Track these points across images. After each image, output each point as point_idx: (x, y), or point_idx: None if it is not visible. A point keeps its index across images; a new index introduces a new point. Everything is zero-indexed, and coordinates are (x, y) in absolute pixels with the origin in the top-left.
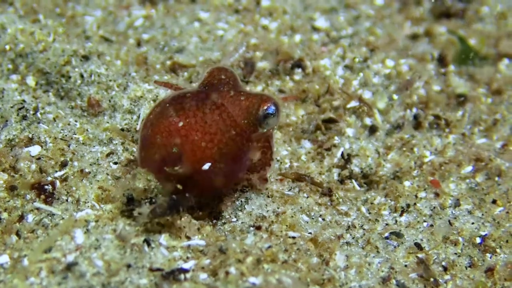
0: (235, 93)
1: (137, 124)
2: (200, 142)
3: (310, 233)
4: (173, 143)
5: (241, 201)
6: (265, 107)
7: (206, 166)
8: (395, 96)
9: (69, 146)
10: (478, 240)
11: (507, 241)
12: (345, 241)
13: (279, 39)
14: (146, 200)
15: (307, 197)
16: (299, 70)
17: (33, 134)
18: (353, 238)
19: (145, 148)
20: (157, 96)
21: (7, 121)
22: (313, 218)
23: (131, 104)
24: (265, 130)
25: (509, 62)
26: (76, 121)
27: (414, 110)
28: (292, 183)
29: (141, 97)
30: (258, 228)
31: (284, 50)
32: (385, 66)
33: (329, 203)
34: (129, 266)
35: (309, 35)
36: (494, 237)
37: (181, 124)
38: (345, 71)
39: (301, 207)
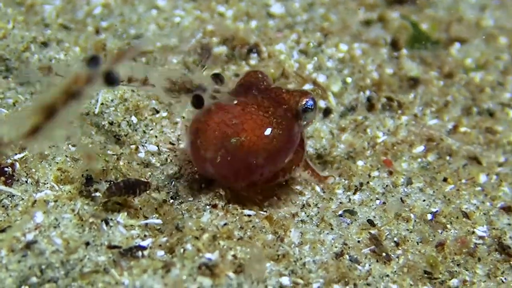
0: (276, 88)
1: (95, 107)
2: (257, 132)
3: (266, 211)
4: (231, 134)
5: (199, 180)
6: (304, 102)
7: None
8: (348, 79)
9: None
10: (429, 216)
11: (457, 217)
12: (299, 219)
13: (235, 25)
14: (105, 181)
15: None
16: (255, 55)
17: None
18: (307, 216)
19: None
20: None
21: None
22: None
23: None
24: (304, 123)
25: (460, 46)
26: None
27: (367, 92)
28: None
29: None
30: (214, 206)
31: (240, 36)
32: (338, 51)
33: (284, 183)
34: (87, 244)
35: (265, 21)
36: (445, 214)
37: (236, 119)
38: (299, 56)
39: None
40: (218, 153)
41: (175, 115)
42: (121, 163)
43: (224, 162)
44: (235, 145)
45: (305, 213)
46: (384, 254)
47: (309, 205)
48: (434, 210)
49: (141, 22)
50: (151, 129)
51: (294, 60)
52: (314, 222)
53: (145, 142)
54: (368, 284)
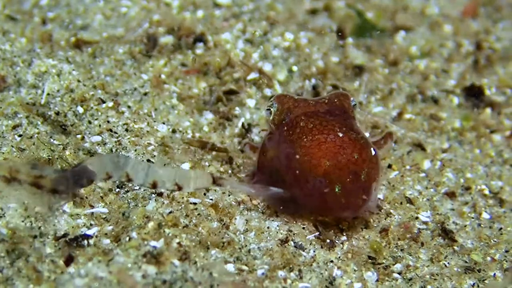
0: (330, 100)
1: (41, 98)
2: (369, 155)
3: (211, 199)
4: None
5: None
6: (351, 101)
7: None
8: (294, 68)
9: None
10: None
11: (401, 203)
12: (245, 206)
13: (181, 15)
14: None
15: (208, 165)
16: (201, 44)
17: None
18: (253, 203)
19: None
20: (61, 71)
21: None
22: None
23: (35, 79)
24: None
25: (405, 34)
26: None
27: (313, 81)
28: (194, 152)
29: (45, 72)
30: (160, 194)
31: (186, 26)
32: (284, 39)
33: (230, 171)
34: (33, 233)
35: (211, 10)
36: (389, 200)
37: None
38: (245, 45)
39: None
40: (360, 197)
41: (121, 105)
42: (67, 152)
43: (363, 201)
44: (364, 179)
45: (251, 200)
46: (328, 240)
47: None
48: (378, 196)
49: (87, 12)
50: (96, 119)
51: (240, 49)
52: (260, 209)
53: (90, 132)
54: (312, 270)
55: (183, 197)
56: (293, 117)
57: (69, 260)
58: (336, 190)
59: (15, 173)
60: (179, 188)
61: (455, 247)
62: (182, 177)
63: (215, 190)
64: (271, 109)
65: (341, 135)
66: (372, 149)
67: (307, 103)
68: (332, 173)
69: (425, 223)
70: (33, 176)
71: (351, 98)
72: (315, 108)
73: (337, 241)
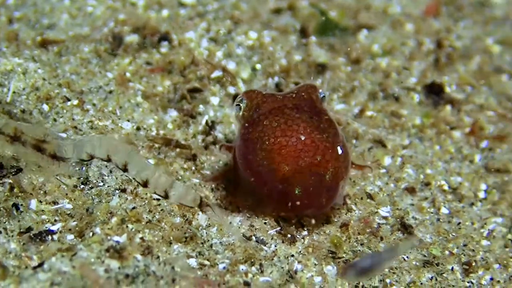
0: (298, 96)
1: (7, 96)
2: (335, 155)
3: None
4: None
5: (109, 166)
6: (318, 94)
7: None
8: (257, 66)
9: None
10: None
11: (361, 199)
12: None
13: (147, 15)
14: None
15: (172, 162)
16: (166, 42)
17: None
18: (216, 199)
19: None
20: (26, 69)
21: None
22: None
23: (1, 77)
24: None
25: (368, 32)
26: None
27: (276, 78)
28: (158, 150)
29: (11, 70)
30: (123, 190)
31: (151, 25)
32: (248, 38)
33: (193, 168)
34: None
35: (176, 10)
36: (350, 195)
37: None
38: (209, 43)
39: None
40: (322, 196)
41: (86, 103)
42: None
43: (327, 200)
44: (330, 180)
45: (214, 195)
46: (289, 235)
47: (218, 189)
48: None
49: (53, 11)
50: (62, 117)
51: (204, 47)
52: (222, 205)
53: (55, 130)
54: (273, 264)
55: (146, 193)
56: (257, 115)
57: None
58: (296, 192)
59: (20, 133)
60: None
61: (414, 242)
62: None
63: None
64: (241, 105)
65: (303, 138)
66: (339, 147)
67: (274, 98)
68: (292, 177)
69: (385, 218)
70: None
71: (320, 90)
72: (282, 103)
73: (298, 236)
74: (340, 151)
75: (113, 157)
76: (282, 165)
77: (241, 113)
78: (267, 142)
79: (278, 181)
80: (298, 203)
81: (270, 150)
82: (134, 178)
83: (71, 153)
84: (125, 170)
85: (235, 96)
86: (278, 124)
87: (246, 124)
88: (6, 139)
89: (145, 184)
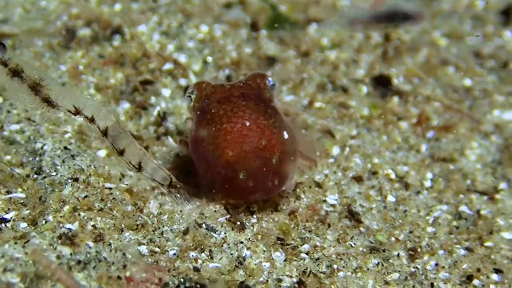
0: (243, 83)
1: None
2: (281, 139)
3: (127, 184)
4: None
5: (62, 156)
6: (267, 82)
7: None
8: (208, 59)
9: None
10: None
11: (310, 187)
12: (159, 191)
13: (99, 9)
14: None
15: None
16: (118, 36)
17: None
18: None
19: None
20: None
21: None
22: (129, 170)
23: None
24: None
25: (317, 26)
26: None
27: (226, 71)
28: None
29: None
30: (76, 180)
31: (104, 19)
32: (199, 31)
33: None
34: None
35: (128, 4)
36: (298, 184)
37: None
38: (161, 36)
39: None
40: (268, 179)
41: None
42: None
43: (274, 184)
44: (276, 163)
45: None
46: (238, 222)
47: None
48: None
49: (7, 6)
50: (15, 108)
51: (155, 40)
52: (173, 194)
53: (9, 121)
54: (223, 251)
55: (98, 182)
56: (206, 105)
57: None
58: (241, 176)
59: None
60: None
61: (361, 229)
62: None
63: (131, 176)
64: (191, 96)
65: (248, 123)
66: (285, 132)
67: (223, 88)
68: (236, 162)
69: (333, 205)
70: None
71: (269, 78)
72: (229, 93)
73: (247, 223)
74: (286, 136)
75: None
76: (226, 151)
77: (191, 104)
78: (213, 129)
79: (222, 167)
80: (243, 187)
81: (215, 137)
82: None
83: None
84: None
85: (186, 88)
86: (224, 112)
87: (197, 114)
88: (7, 72)
89: (121, 153)
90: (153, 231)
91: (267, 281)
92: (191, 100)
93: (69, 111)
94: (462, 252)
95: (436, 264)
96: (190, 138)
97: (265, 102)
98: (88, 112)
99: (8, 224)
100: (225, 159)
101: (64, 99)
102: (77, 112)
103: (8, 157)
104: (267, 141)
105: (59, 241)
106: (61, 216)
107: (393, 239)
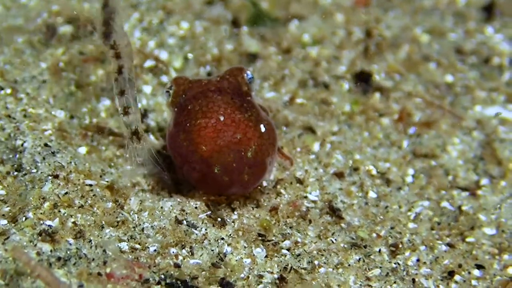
0: (219, 79)
1: None
2: (257, 133)
3: (107, 181)
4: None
5: (42, 153)
6: (245, 76)
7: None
8: (189, 55)
9: None
10: (264, 183)
11: (291, 183)
12: (140, 188)
13: (80, 6)
14: None
15: (105, 149)
16: None
17: None
18: (148, 185)
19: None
20: None
21: None
22: (111, 167)
23: None
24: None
25: (298, 22)
26: None
27: (207, 67)
28: (91, 137)
29: None
30: (56, 176)
31: (85, 16)
32: (180, 28)
33: (126, 155)
34: None
35: None
36: (279, 180)
37: (233, 131)
38: (142, 33)
39: (100, 158)
40: (244, 173)
41: (20, 92)
42: None
43: (250, 177)
44: (252, 156)
45: (146, 182)
46: (219, 219)
47: (150, 176)
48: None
49: None
50: None
51: (136, 37)
52: (155, 191)
53: None
54: (203, 247)
55: (79, 179)
56: (183, 100)
57: None
58: (216, 171)
59: None
60: None
61: (342, 225)
62: None
63: (111, 173)
64: (170, 91)
65: (222, 118)
66: (262, 125)
67: (200, 83)
68: (210, 157)
69: (314, 201)
70: None
71: (247, 72)
72: (206, 87)
73: (228, 220)
74: (263, 129)
75: None
76: (200, 146)
77: (170, 100)
78: (188, 125)
79: (197, 162)
80: (219, 181)
81: (190, 132)
82: None
83: None
84: None
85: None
86: (200, 107)
87: (174, 110)
88: None
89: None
90: (133, 227)
91: (248, 277)
92: (169, 95)
93: None
94: (444, 248)
95: (418, 260)
96: (167, 134)
97: (241, 96)
98: None
99: None
100: (199, 154)
101: None
102: None
103: None
104: (242, 135)
105: (39, 238)
106: (41, 213)
107: (374, 235)
